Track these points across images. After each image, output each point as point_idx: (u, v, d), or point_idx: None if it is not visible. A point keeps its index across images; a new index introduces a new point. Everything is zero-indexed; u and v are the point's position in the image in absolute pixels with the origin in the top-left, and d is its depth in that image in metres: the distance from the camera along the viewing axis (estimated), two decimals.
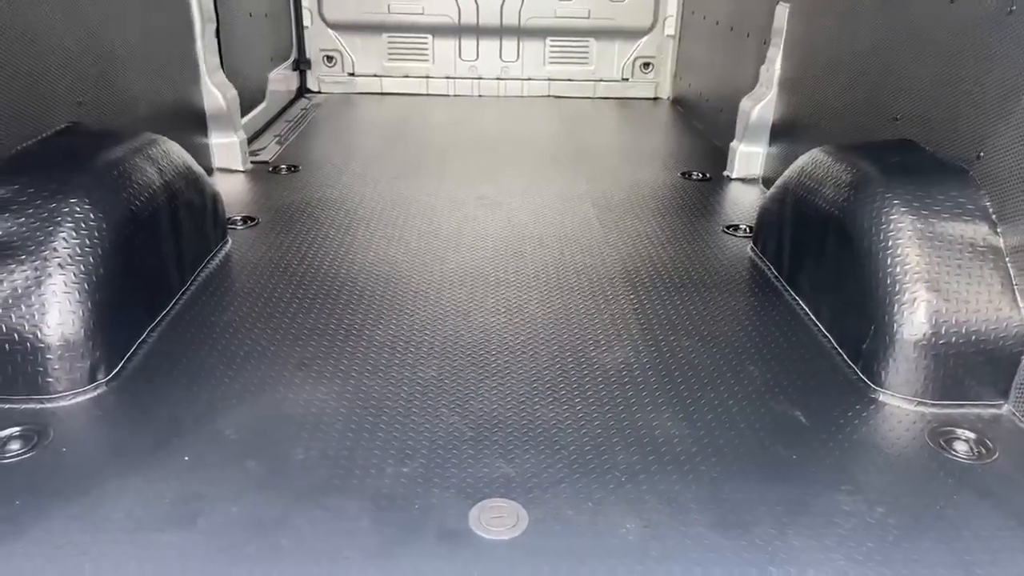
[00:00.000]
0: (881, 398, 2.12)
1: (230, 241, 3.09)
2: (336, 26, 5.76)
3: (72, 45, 2.64)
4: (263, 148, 4.46)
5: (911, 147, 2.56)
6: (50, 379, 1.99)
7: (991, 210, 2.15)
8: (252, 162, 4.17)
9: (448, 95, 5.96)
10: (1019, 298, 2.05)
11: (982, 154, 2.23)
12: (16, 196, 2.08)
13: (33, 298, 1.98)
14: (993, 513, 1.71)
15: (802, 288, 2.67)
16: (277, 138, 4.69)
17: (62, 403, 2.00)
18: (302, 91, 5.85)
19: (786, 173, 2.88)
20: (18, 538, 1.58)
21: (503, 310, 2.62)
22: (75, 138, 2.46)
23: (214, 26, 3.89)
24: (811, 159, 2.70)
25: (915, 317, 2.06)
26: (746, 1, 4.33)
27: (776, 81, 3.83)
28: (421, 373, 2.23)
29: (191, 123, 3.77)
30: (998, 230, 2.12)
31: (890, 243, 2.15)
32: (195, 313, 2.51)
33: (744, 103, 4.04)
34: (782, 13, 3.76)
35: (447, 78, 5.93)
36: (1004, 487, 1.80)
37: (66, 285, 2.01)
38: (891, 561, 1.58)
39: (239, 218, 3.34)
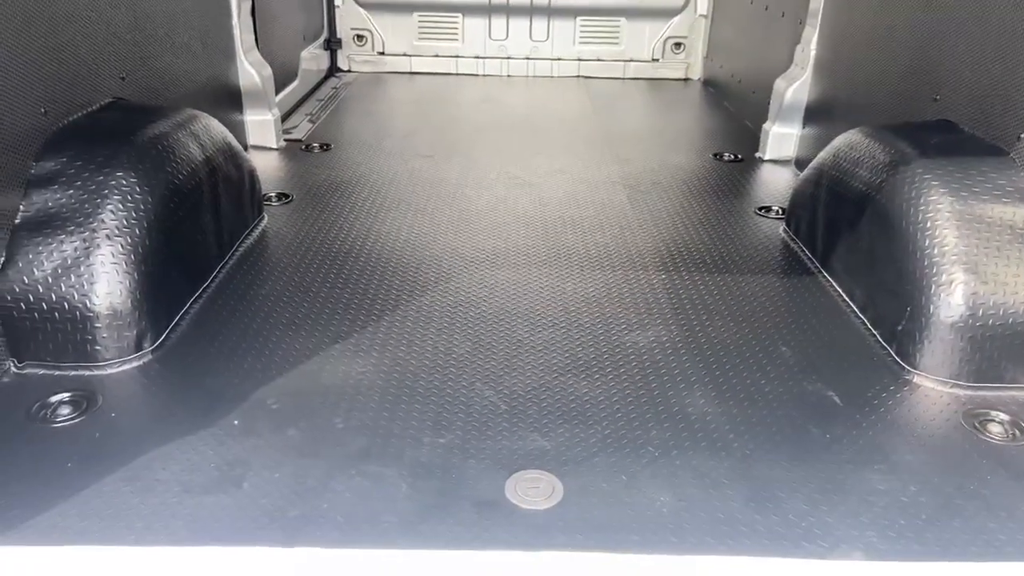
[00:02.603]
0: (915, 379, 2.12)
1: (266, 217, 3.14)
2: (367, 5, 5.78)
3: (115, 21, 2.68)
4: (295, 126, 4.50)
5: (950, 127, 2.53)
6: (98, 347, 2.05)
7: None
8: (285, 140, 4.22)
9: (477, 75, 5.96)
10: None
11: (1022, 136, 2.20)
12: (65, 168, 2.13)
13: (82, 268, 2.03)
14: None
15: (835, 269, 2.66)
16: (308, 116, 4.74)
17: (110, 371, 2.07)
18: (332, 70, 5.88)
19: (821, 154, 2.86)
20: (71, 499, 1.64)
21: (535, 289, 2.64)
22: (120, 113, 2.51)
23: (250, 4, 3.93)
24: (847, 140, 2.68)
25: (952, 299, 2.05)
26: None
27: (811, 62, 3.79)
28: (456, 348, 2.27)
29: (227, 100, 3.82)
30: None
31: (928, 224, 2.14)
32: (235, 286, 2.56)
33: (778, 84, 4.01)
34: None
35: (476, 58, 5.93)
36: None
37: (114, 256, 2.06)
38: (924, 539, 1.59)
39: (274, 194, 3.39)
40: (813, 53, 3.77)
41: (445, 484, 1.71)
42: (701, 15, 5.79)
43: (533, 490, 1.70)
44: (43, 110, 2.19)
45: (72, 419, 1.89)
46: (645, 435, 1.89)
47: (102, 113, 2.46)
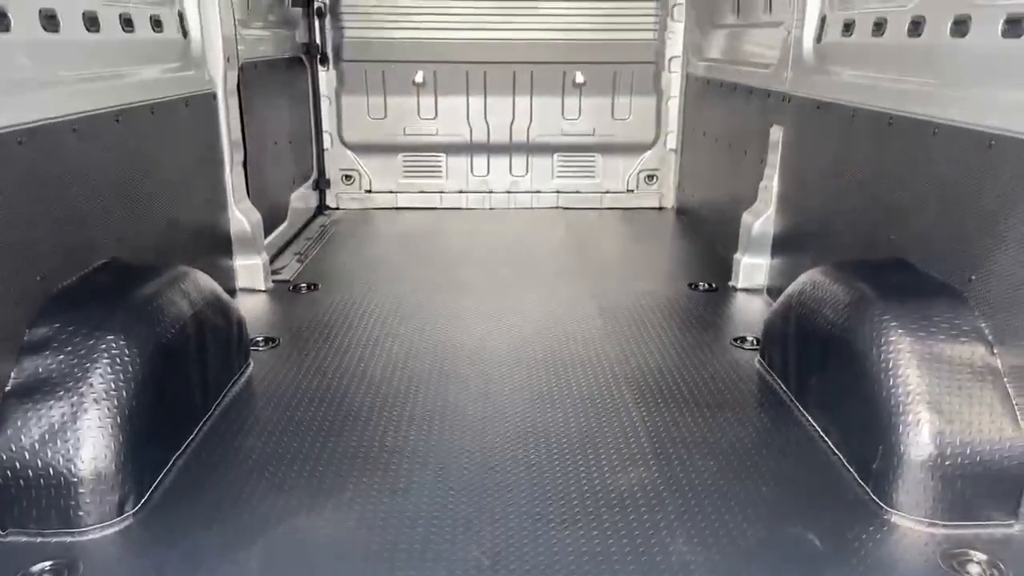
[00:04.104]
0: (893, 519, 2.15)
1: (252, 364, 3.19)
2: (354, 147, 6.07)
3: (111, 183, 2.83)
4: (284, 267, 4.63)
5: (906, 267, 2.67)
6: (81, 513, 2.06)
7: (987, 332, 2.23)
8: (273, 281, 4.33)
9: (461, 208, 6.20)
10: (1020, 418, 2.10)
11: (974, 277, 2.33)
12: (57, 334, 2.20)
13: (69, 433, 2.07)
14: None
15: (810, 404, 2.72)
16: (297, 256, 4.88)
17: (91, 536, 2.06)
18: (321, 208, 6.10)
19: (788, 290, 2.99)
20: None
21: (519, 430, 2.68)
22: (113, 274, 2.61)
23: (242, 156, 4.14)
24: (811, 279, 2.81)
25: (920, 438, 2.11)
26: (742, 120, 4.56)
27: (774, 197, 4.00)
28: (439, 498, 2.28)
29: (217, 246, 3.95)
30: (994, 351, 2.20)
31: (891, 364, 2.23)
32: (218, 440, 2.59)
33: (745, 217, 4.20)
34: (776, 133, 3.97)
35: (460, 192, 6.19)
36: None
37: (100, 420, 2.10)
38: None
39: (261, 339, 3.46)
40: (775, 190, 3.98)
41: None
42: (671, 149, 6.11)
43: None
44: (39, 276, 2.29)
45: None
46: None
47: (95, 275, 2.56)
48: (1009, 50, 2.29)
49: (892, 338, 2.26)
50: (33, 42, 2.42)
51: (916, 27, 2.78)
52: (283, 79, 5.29)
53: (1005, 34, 2.30)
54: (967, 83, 2.48)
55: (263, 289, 4.21)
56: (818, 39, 3.63)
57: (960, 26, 2.52)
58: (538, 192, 6.21)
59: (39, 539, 2.04)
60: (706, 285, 4.28)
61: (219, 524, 2.14)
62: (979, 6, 2.43)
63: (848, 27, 3.36)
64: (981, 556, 1.99)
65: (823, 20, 3.58)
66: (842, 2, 3.45)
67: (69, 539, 2.05)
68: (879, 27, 3.06)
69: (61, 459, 2.04)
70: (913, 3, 2.82)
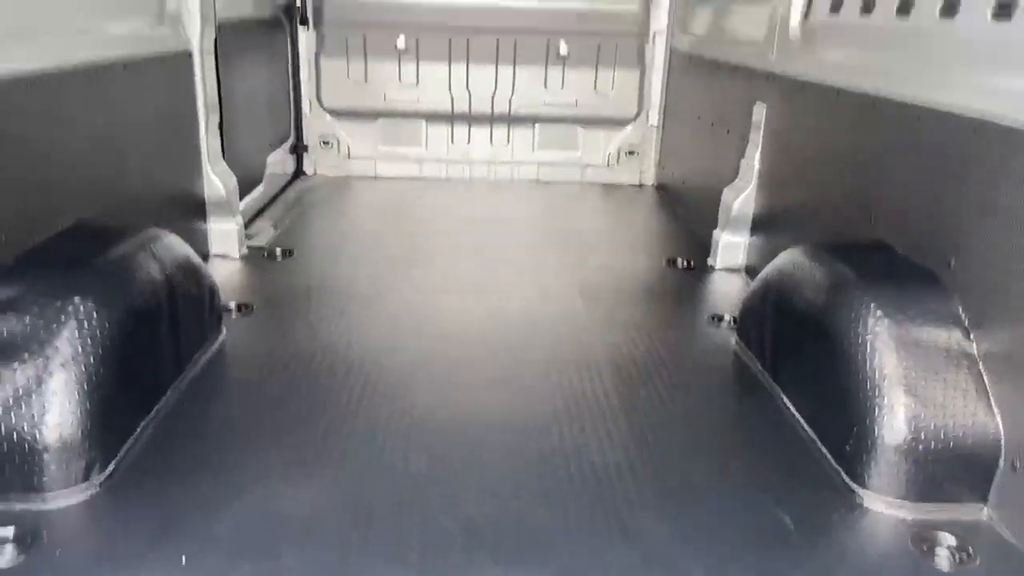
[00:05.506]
0: (865, 501, 2.16)
1: (224, 331, 3.13)
2: (334, 112, 5.96)
3: (79, 140, 2.74)
4: (259, 232, 4.55)
5: (885, 250, 2.67)
6: (46, 479, 2.01)
7: (964, 317, 2.25)
8: (248, 247, 4.25)
9: (440, 178, 6.13)
10: (994, 404, 2.12)
11: (953, 262, 2.33)
12: (23, 295, 2.13)
13: (34, 398, 2.01)
14: None
15: (786, 385, 2.73)
16: (273, 222, 4.79)
17: (56, 503, 2.01)
18: (298, 173, 6.00)
19: (766, 270, 2.98)
20: None
21: (495, 406, 2.66)
22: (81, 236, 2.53)
23: (217, 117, 4.03)
24: (790, 259, 2.80)
25: (895, 421, 2.12)
26: (726, 98, 4.53)
27: (755, 175, 3.99)
28: (412, 469, 2.26)
29: (191, 209, 3.86)
30: (971, 337, 2.21)
31: (868, 348, 2.23)
32: (188, 406, 2.54)
33: (726, 194, 4.19)
34: (760, 111, 3.95)
35: (439, 162, 6.12)
36: None
37: (67, 384, 2.04)
38: None
39: (234, 305, 3.39)
40: (757, 167, 3.97)
41: None
42: (652, 125, 6.07)
43: None
44: (1, 238, 2.21)
45: (16, 558, 1.82)
46: (602, 563, 1.89)
47: (63, 237, 2.48)
48: (998, 33, 2.28)
49: (871, 321, 2.26)
50: None
51: (905, 7, 2.76)
52: (262, 39, 5.16)
53: (995, 16, 2.29)
54: (955, 66, 2.47)
55: (237, 255, 4.13)
56: (805, 16, 3.60)
57: (950, 7, 2.50)
58: (519, 164, 6.15)
59: (1, 506, 1.99)
60: (684, 263, 4.27)
61: (188, 492, 2.10)
62: None
63: (836, 6, 3.33)
64: (951, 540, 2.00)
65: None
66: None
67: (33, 506, 2.00)
68: (867, 6, 3.04)
69: (25, 424, 1.99)
70: None
